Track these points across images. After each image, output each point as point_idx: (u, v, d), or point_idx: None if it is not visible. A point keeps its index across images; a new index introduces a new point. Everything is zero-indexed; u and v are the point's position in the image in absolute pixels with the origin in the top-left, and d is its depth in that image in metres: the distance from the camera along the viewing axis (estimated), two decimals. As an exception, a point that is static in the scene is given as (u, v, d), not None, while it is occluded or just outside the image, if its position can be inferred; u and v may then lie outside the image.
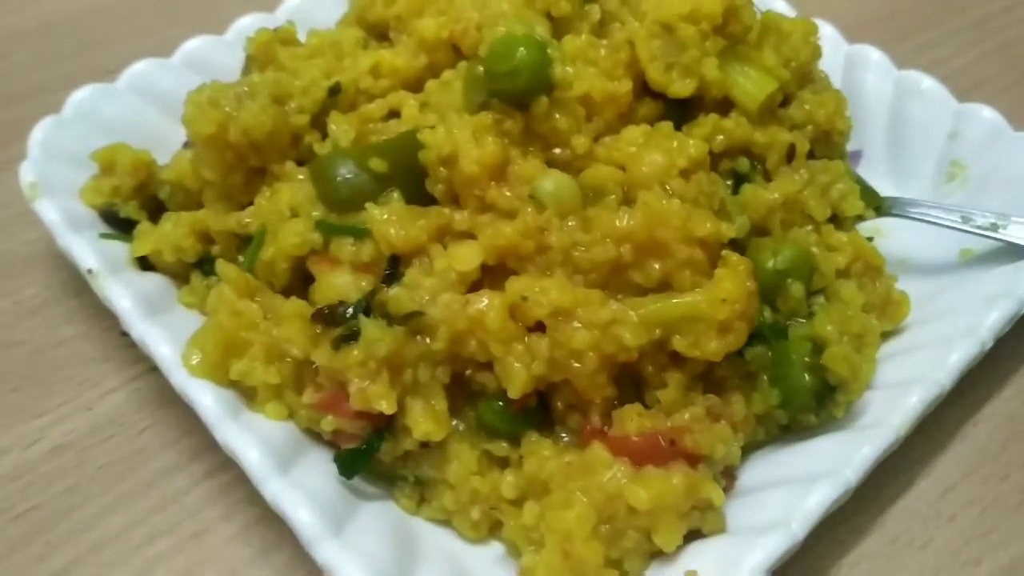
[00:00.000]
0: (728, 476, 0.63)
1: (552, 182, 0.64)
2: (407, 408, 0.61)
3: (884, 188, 0.85)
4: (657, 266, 0.61)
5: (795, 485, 0.59)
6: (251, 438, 0.60)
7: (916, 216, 0.78)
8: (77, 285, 0.82)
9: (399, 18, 0.79)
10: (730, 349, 0.61)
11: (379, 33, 0.82)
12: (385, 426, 0.62)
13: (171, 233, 0.73)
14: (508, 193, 0.64)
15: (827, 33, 0.92)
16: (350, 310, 0.61)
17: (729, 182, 0.72)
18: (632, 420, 0.59)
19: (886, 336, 0.72)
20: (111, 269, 0.72)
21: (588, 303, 0.60)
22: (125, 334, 0.77)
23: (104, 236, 0.76)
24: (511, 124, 0.66)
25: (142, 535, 0.67)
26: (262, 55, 0.79)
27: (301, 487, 0.58)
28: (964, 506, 0.68)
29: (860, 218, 0.78)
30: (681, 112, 0.73)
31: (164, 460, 0.71)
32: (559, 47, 0.68)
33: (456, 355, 0.62)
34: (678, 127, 0.71)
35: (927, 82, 0.86)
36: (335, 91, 0.75)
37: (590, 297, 0.60)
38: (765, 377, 0.64)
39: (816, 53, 0.76)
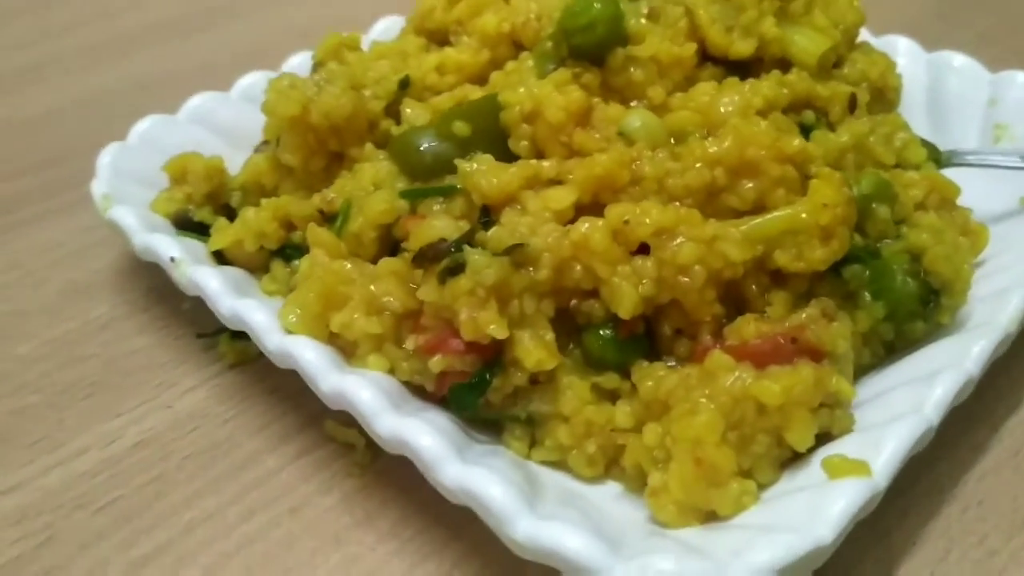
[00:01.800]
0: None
1: (639, 118, 0.66)
2: (515, 340, 0.60)
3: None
4: (751, 186, 0.62)
5: (917, 382, 0.58)
6: (361, 380, 0.59)
7: (976, 163, 0.80)
8: (146, 302, 0.82)
9: (459, 21, 0.83)
10: (835, 257, 0.61)
11: (440, 40, 0.85)
12: (494, 359, 0.60)
13: (254, 220, 0.73)
14: (596, 136, 0.66)
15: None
16: (452, 246, 0.61)
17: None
18: (748, 326, 0.59)
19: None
20: (193, 259, 0.72)
21: (690, 221, 0.60)
22: (202, 335, 0.77)
23: (182, 234, 0.76)
24: (589, 78, 0.69)
25: (237, 513, 0.64)
26: (330, 59, 0.82)
27: (419, 417, 0.56)
28: (1083, 417, 0.66)
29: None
30: (742, 76, 0.75)
31: (252, 446, 0.69)
32: (629, 5, 0.71)
33: (560, 287, 0.61)
34: (741, 89, 0.74)
35: (959, 59, 0.90)
36: (405, 84, 0.78)
37: (691, 216, 0.61)
38: (866, 294, 0.63)
39: (860, 18, 0.80)
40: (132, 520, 0.64)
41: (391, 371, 0.63)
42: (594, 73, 0.69)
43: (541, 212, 0.63)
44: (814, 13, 0.77)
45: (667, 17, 0.75)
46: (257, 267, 0.75)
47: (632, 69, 0.69)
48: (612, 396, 0.62)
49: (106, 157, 0.83)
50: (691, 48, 0.72)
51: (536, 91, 0.67)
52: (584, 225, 0.60)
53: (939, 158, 0.81)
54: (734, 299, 0.63)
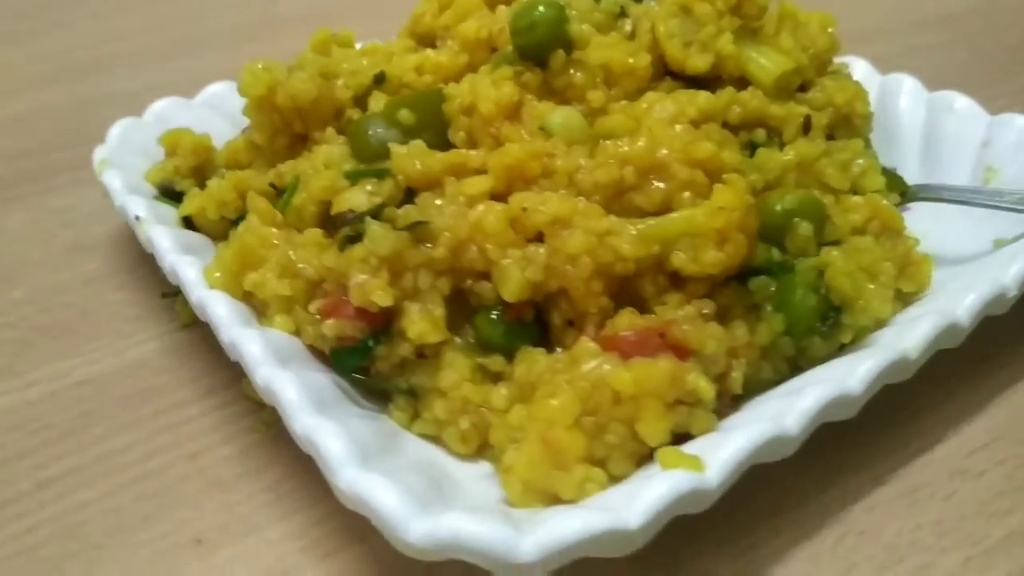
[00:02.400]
0: (727, 403, 0.60)
1: (561, 115, 0.67)
2: (405, 311, 0.62)
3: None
4: (659, 187, 0.63)
5: (792, 393, 0.56)
6: (254, 335, 0.62)
7: (946, 197, 0.77)
8: (133, 264, 0.89)
9: (445, 27, 0.87)
10: (730, 262, 0.60)
11: (428, 43, 0.89)
12: (383, 329, 0.62)
13: (216, 190, 0.78)
14: (522, 130, 0.68)
15: (860, 67, 0.95)
16: (360, 216, 0.64)
17: (747, 152, 0.73)
18: (623, 318, 0.59)
19: (909, 299, 0.69)
20: (158, 220, 0.77)
21: (587, 214, 0.61)
22: (166, 295, 0.83)
23: (159, 199, 0.82)
24: (529, 76, 0.71)
25: (143, 451, 0.68)
26: (316, 51, 0.87)
27: (294, 372, 0.59)
28: (995, 465, 0.62)
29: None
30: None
31: (179, 396, 0.73)
32: (575, 7, 0.73)
33: (457, 267, 0.63)
34: (696, 104, 0.74)
35: (961, 101, 0.87)
36: (380, 79, 0.82)
37: (589, 209, 0.62)
38: (769, 307, 0.62)
39: (834, 44, 0.79)
40: (53, 445, 0.69)
41: (296, 333, 0.66)
42: (535, 73, 0.71)
43: (456, 196, 0.65)
44: (781, 36, 0.76)
45: (626, 27, 0.76)
46: (220, 235, 0.80)
47: (573, 72, 0.71)
48: (497, 379, 0.63)
49: (116, 129, 0.91)
50: (645, 59, 0.73)
51: (477, 82, 0.70)
52: (481, 207, 0.62)
53: (905, 190, 0.79)
54: (631, 297, 0.63)
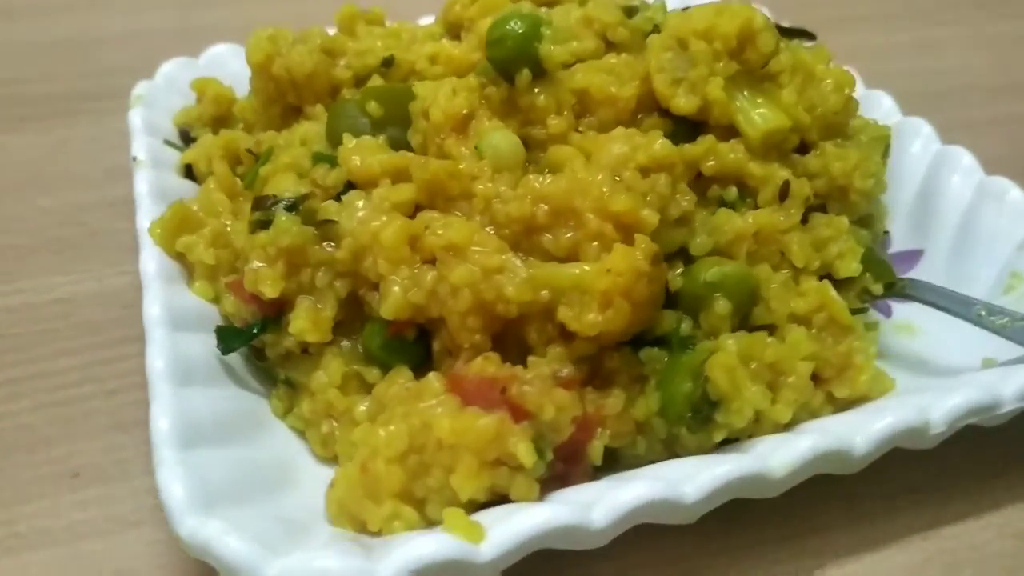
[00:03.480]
0: (584, 472, 0.57)
1: (498, 137, 0.65)
2: (295, 305, 0.63)
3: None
4: (568, 235, 0.60)
5: (618, 482, 0.53)
6: (160, 297, 0.65)
7: (930, 301, 0.69)
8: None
9: (471, 19, 0.85)
10: (608, 328, 0.57)
11: (455, 34, 0.88)
12: (274, 317, 0.64)
13: (207, 146, 0.81)
14: (464, 148, 0.66)
15: (925, 132, 0.85)
16: (278, 203, 0.65)
17: (714, 209, 0.68)
18: (478, 363, 0.57)
19: (840, 406, 0.63)
20: (154, 165, 0.81)
21: (483, 245, 0.59)
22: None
23: (167, 143, 0.86)
24: (493, 91, 0.69)
25: (75, 378, 0.73)
26: (343, 28, 0.88)
27: (177, 341, 0.61)
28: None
29: (867, 292, 0.70)
30: (689, 134, 0.71)
31: (129, 332, 0.77)
32: (553, 28, 0.69)
33: (357, 272, 0.63)
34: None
35: (1014, 193, 0.77)
36: (387, 63, 0.82)
37: (487, 241, 0.60)
38: (653, 382, 0.59)
39: (849, 107, 0.71)
40: (3, 354, 0.75)
41: (215, 301, 0.68)
42: (500, 88, 0.69)
43: (381, 201, 0.65)
44: (786, 88, 0.70)
45: (615, 54, 0.72)
46: (214, 188, 0.84)
47: (538, 92, 0.68)
48: (369, 390, 0.63)
49: (167, 66, 0.96)
50: (630, 91, 0.69)
51: (433, 90, 0.68)
52: (384, 218, 0.61)
53: (893, 283, 0.71)
54: (518, 342, 0.61)
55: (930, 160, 0.83)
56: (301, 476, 0.60)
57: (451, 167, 0.63)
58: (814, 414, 0.62)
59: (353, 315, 0.64)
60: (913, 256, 0.81)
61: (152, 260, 0.69)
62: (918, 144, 0.85)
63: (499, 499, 0.54)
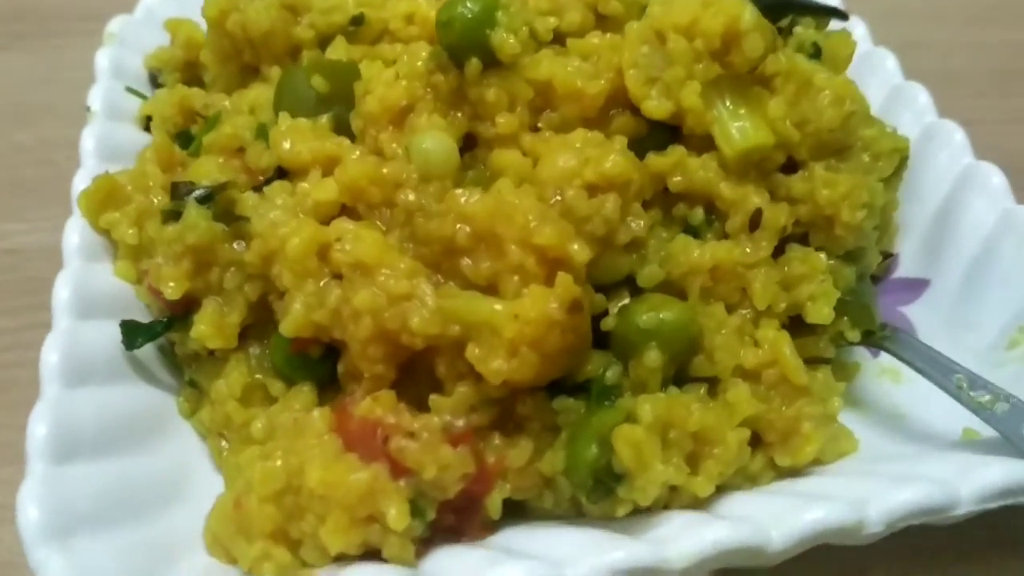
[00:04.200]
0: (480, 525, 0.53)
1: (432, 141, 0.58)
2: (202, 307, 0.59)
3: (934, 332, 0.67)
4: (487, 264, 0.53)
5: (505, 557, 0.48)
6: (73, 279, 0.61)
7: (908, 360, 0.61)
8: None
9: (455, -26, 0.77)
10: (515, 378, 0.51)
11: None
12: (180, 315, 0.60)
13: (162, 102, 0.76)
14: (397, 145, 0.60)
15: (956, 141, 0.75)
16: (194, 192, 0.60)
17: (676, 231, 0.61)
18: (365, 404, 0.52)
19: (782, 473, 0.57)
20: (109, 116, 0.77)
21: (393, 267, 0.54)
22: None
23: (129, 90, 0.82)
24: (441, 79, 0.61)
25: (6, 342, 0.73)
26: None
27: (81, 332, 0.58)
28: None
29: (842, 337, 0.62)
30: (663, 140, 0.63)
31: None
32: (514, 10, 0.60)
33: (267, 276, 0.58)
34: (644, 153, 0.62)
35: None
36: (357, 21, 0.75)
37: (399, 261, 0.54)
38: (564, 436, 0.53)
39: (849, 124, 0.62)
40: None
41: (139, 282, 0.65)
42: (450, 77, 0.61)
43: (305, 197, 0.59)
44: (777, 98, 0.61)
45: (609, 40, 0.64)
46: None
47: (487, 84, 0.60)
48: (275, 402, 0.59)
49: (149, 1, 0.91)
50: (597, 87, 0.61)
51: (376, 72, 0.62)
52: (292, 223, 0.56)
53: (874, 332, 0.63)
54: (428, 374, 0.56)
55: (956, 176, 0.73)
56: (198, 487, 0.57)
57: (373, 171, 0.57)
58: (752, 480, 0.56)
59: (267, 318, 0.60)
60: (918, 286, 0.73)
61: (75, 233, 0.65)
62: (946, 155, 0.74)
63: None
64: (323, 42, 0.74)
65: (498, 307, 0.52)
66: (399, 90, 0.60)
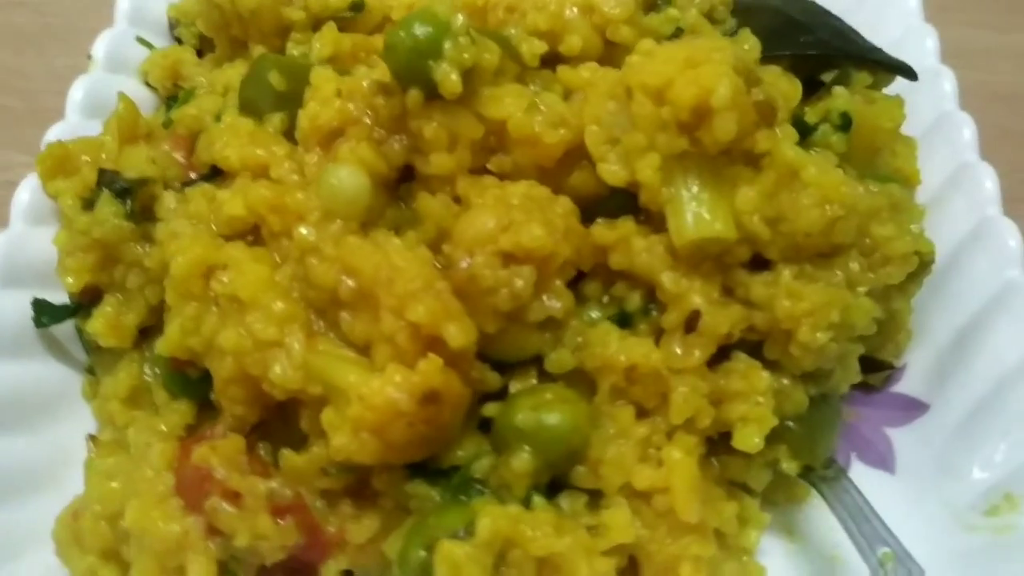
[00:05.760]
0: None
1: (345, 173, 0.53)
2: (103, 302, 0.57)
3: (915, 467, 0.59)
4: (362, 325, 0.49)
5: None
6: (9, 244, 0.61)
7: (836, 514, 0.53)
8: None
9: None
10: (355, 458, 0.47)
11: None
12: (87, 304, 0.59)
13: (156, 63, 0.75)
14: (315, 165, 0.55)
15: (1005, 250, 0.63)
16: (116, 182, 0.58)
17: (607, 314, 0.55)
18: (204, 451, 0.49)
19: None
20: (110, 67, 0.76)
21: (267, 309, 0.50)
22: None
23: (140, 41, 0.80)
24: (383, 103, 0.56)
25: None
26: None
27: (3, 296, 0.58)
28: None
29: (778, 464, 0.55)
30: (625, 207, 0.56)
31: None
32: (461, 46, 0.53)
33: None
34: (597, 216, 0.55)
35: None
36: (356, 7, 0.70)
37: (275, 303, 0.50)
38: (411, 522, 0.49)
39: (837, 231, 0.52)
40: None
41: (75, 253, 0.64)
42: (393, 102, 0.55)
43: (220, 207, 0.56)
44: (752, 187, 0.52)
45: (573, 78, 0.57)
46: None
47: (428, 119, 0.54)
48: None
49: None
50: (557, 136, 0.54)
51: (332, 80, 0.57)
52: (183, 241, 0.53)
53: (814, 468, 0.55)
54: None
55: (993, 292, 0.62)
56: (76, 478, 0.56)
57: (274, 199, 0.53)
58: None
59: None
60: (915, 408, 0.63)
61: (27, 192, 0.64)
62: (987, 263, 0.63)
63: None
64: (316, 25, 0.69)
65: (352, 378, 0.47)
66: (331, 110, 0.55)
